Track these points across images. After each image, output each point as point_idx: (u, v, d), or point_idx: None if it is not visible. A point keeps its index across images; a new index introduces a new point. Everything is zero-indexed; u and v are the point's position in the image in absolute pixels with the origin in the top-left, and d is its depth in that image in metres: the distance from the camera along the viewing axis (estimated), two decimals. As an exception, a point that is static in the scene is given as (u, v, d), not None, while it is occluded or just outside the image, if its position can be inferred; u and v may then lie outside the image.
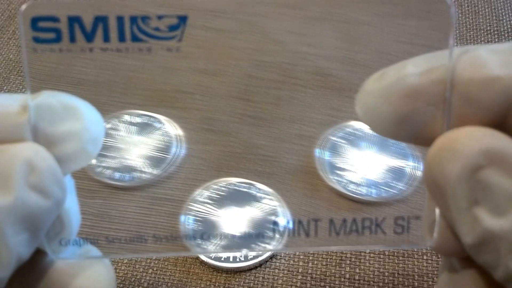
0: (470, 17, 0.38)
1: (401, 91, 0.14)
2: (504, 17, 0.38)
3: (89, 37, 0.14)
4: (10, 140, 0.13)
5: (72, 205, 0.16)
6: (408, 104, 0.14)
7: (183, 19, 0.15)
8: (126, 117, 0.32)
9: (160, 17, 0.15)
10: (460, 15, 0.38)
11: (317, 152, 0.30)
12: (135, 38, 0.14)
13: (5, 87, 0.35)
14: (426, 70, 0.14)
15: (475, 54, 0.14)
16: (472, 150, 0.13)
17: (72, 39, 0.14)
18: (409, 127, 0.15)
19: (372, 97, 0.15)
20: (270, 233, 0.27)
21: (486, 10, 0.38)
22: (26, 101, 0.14)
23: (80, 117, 0.14)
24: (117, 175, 0.30)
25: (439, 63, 0.14)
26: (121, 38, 0.14)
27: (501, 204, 0.13)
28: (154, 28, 0.15)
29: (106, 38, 0.14)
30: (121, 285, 0.26)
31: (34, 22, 0.13)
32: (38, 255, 0.15)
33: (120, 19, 0.14)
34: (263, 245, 0.26)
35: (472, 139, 0.14)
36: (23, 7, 0.13)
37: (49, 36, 0.14)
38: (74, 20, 0.14)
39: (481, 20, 0.38)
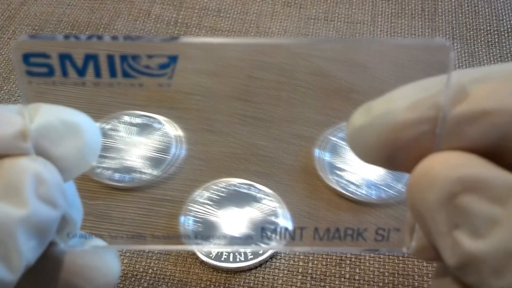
0: (470, 17, 0.38)
1: (387, 126, 0.14)
2: (504, 17, 0.38)
3: (81, 73, 0.14)
4: (13, 155, 0.14)
5: (74, 202, 0.16)
6: (395, 140, 0.14)
7: (173, 59, 0.16)
8: (126, 118, 0.32)
9: (150, 57, 0.15)
10: (460, 15, 0.38)
11: (317, 152, 0.30)
12: (126, 75, 0.15)
13: (5, 87, 0.35)
14: (413, 105, 0.14)
15: (460, 86, 0.14)
16: (447, 178, 0.14)
17: (64, 73, 0.14)
18: (398, 160, 0.15)
19: (359, 131, 0.15)
20: (270, 234, 0.27)
21: (486, 10, 0.38)
22: (25, 125, 0.14)
23: (80, 133, 0.14)
24: (117, 176, 0.30)
25: (428, 94, 0.14)
26: (112, 74, 0.14)
27: (480, 227, 0.13)
28: (145, 66, 0.15)
29: (98, 74, 0.14)
30: (121, 285, 0.26)
31: (26, 58, 0.14)
32: (49, 245, 0.15)
33: (110, 58, 0.14)
34: (263, 245, 0.27)
35: (447, 167, 0.14)
36: (15, 42, 0.14)
37: (42, 71, 0.14)
38: (65, 57, 0.14)
39: (481, 20, 0.38)
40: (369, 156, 0.15)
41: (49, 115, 0.14)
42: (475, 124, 0.14)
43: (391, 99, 0.14)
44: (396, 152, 0.15)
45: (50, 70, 0.14)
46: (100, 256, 0.16)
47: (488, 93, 0.14)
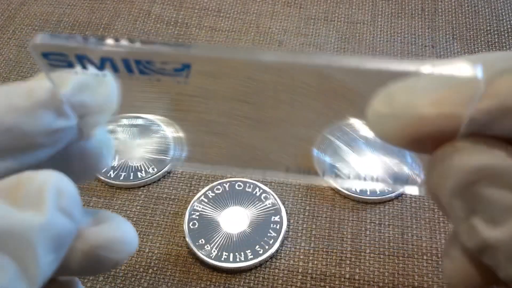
0: (470, 17, 0.38)
1: (411, 120, 0.14)
2: (504, 17, 0.38)
3: (100, 68, 0.15)
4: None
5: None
6: (418, 133, 0.14)
7: (187, 66, 0.16)
8: (125, 120, 0.32)
9: (164, 63, 0.15)
10: (460, 15, 0.38)
11: (317, 152, 0.30)
12: (143, 73, 0.15)
13: (5, 87, 0.35)
14: (437, 101, 0.14)
15: (485, 80, 0.14)
16: (464, 167, 0.14)
17: (84, 67, 0.15)
18: (420, 146, 0.15)
19: (380, 119, 0.15)
20: (273, 233, 0.27)
21: (486, 10, 0.38)
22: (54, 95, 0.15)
23: (106, 82, 0.16)
24: (121, 175, 0.30)
25: (452, 89, 0.14)
26: (130, 71, 0.15)
27: (496, 214, 0.13)
28: (160, 68, 0.15)
29: (116, 70, 0.15)
30: (121, 285, 0.26)
31: (45, 55, 0.14)
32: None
33: (125, 61, 0.14)
34: (265, 245, 0.27)
35: (464, 155, 0.14)
36: (32, 42, 0.14)
37: (62, 64, 0.15)
38: (82, 58, 0.14)
39: (481, 20, 0.38)
40: (390, 141, 0.15)
41: (80, 76, 0.15)
42: (502, 121, 0.14)
43: (413, 90, 0.14)
44: (419, 141, 0.15)
45: (69, 64, 0.15)
46: (120, 228, 0.16)
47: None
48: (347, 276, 0.26)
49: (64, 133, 0.15)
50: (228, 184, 0.29)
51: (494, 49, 0.36)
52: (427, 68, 0.14)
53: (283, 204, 0.28)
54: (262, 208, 0.28)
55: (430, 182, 0.15)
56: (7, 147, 0.15)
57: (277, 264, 0.26)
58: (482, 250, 0.14)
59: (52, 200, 0.14)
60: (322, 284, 0.26)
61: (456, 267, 0.16)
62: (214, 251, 0.26)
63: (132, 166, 0.30)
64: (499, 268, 0.14)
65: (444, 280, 0.26)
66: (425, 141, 0.15)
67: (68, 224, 0.14)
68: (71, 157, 0.17)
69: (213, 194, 0.29)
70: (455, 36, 0.37)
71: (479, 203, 0.14)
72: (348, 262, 0.27)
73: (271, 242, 0.27)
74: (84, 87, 0.15)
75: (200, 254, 0.26)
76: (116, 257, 0.16)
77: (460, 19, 0.38)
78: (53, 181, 0.14)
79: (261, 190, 0.29)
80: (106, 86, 0.16)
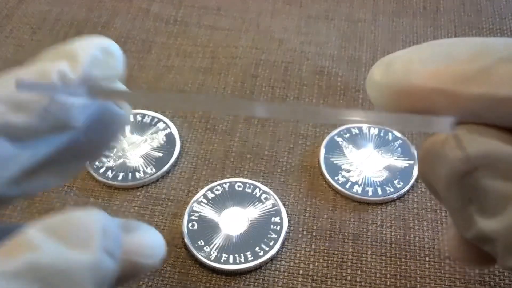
0: (473, 16, 0.38)
1: (406, 90, 0.14)
2: (507, 15, 0.38)
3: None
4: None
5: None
6: (412, 104, 0.14)
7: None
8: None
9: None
10: (463, 14, 0.38)
11: (319, 152, 0.30)
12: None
13: (2, 87, 0.34)
14: (434, 73, 0.14)
15: (485, 64, 0.13)
16: (458, 156, 0.13)
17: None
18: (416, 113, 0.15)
19: (377, 86, 0.15)
20: (272, 234, 0.27)
21: (489, 8, 0.38)
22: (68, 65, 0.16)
23: (113, 52, 0.17)
24: (119, 175, 0.29)
25: (450, 64, 0.14)
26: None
27: (492, 205, 0.13)
28: None
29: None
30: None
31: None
32: None
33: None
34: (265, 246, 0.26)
35: (457, 143, 0.13)
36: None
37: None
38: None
39: (483, 18, 0.37)
40: (386, 109, 0.15)
41: (91, 48, 0.17)
42: (494, 110, 0.13)
43: (411, 59, 0.14)
44: (413, 111, 0.14)
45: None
46: (149, 235, 0.17)
47: None
48: (349, 278, 0.26)
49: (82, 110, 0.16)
50: (227, 184, 0.29)
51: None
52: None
53: (284, 205, 0.28)
54: (262, 209, 0.28)
55: (423, 171, 0.15)
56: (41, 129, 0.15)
57: (278, 266, 0.26)
58: (479, 240, 0.14)
59: (99, 241, 0.14)
60: (323, 286, 0.25)
61: (453, 247, 0.16)
62: (214, 253, 0.26)
63: (130, 166, 0.30)
64: (498, 257, 0.13)
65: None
66: (419, 113, 0.14)
67: (112, 265, 0.15)
68: (91, 128, 0.17)
69: (213, 195, 0.28)
70: (457, 35, 0.37)
71: (475, 193, 0.13)
72: (349, 263, 0.26)
73: (271, 243, 0.26)
74: (95, 63, 0.16)
75: (199, 255, 0.26)
76: (149, 262, 0.16)
77: (462, 18, 0.38)
78: (100, 221, 0.15)
79: (261, 191, 0.28)
80: (114, 58, 0.17)
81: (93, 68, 0.16)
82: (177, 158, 0.30)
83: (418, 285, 0.25)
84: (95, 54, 0.16)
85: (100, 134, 0.18)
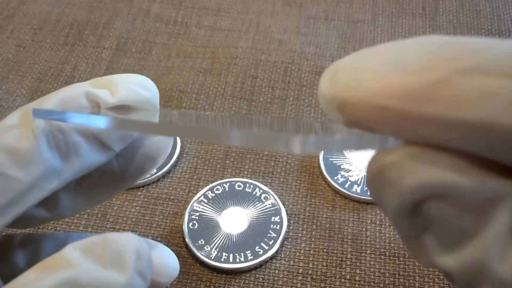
0: (471, 17, 0.38)
1: (347, 104, 0.12)
2: (506, 16, 0.38)
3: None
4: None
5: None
6: (358, 122, 0.12)
7: None
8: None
9: None
10: (461, 14, 0.38)
11: (321, 152, 0.30)
12: None
13: (3, 87, 0.35)
14: (382, 87, 0.11)
15: (441, 77, 0.11)
16: (406, 185, 0.11)
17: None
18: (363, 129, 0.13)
19: (324, 97, 0.13)
20: (272, 233, 0.27)
21: (488, 9, 0.38)
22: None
23: (150, 87, 0.18)
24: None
25: (401, 71, 0.11)
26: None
27: (449, 237, 0.12)
28: None
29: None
30: (121, 286, 0.26)
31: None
32: None
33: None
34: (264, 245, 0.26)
35: (406, 171, 0.11)
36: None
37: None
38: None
39: (482, 19, 0.38)
40: (335, 119, 0.13)
41: (129, 79, 0.18)
42: (450, 134, 0.11)
43: (357, 69, 0.12)
44: (359, 128, 0.12)
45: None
46: (165, 255, 0.18)
47: (478, 97, 0.10)
48: (348, 277, 0.26)
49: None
50: (228, 184, 0.29)
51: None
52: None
53: (283, 204, 0.28)
54: (262, 209, 0.28)
55: (372, 195, 0.13)
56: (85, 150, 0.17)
57: (277, 265, 0.26)
58: (436, 268, 0.12)
59: (133, 262, 0.15)
60: (323, 285, 0.26)
61: None
62: (214, 252, 0.26)
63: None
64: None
65: None
66: (367, 129, 0.12)
67: (142, 286, 0.15)
68: (132, 154, 0.19)
69: (213, 195, 0.28)
70: (456, 36, 0.37)
71: (430, 222, 0.12)
72: (348, 263, 0.26)
73: (271, 242, 0.26)
74: (132, 94, 0.17)
75: (200, 254, 0.26)
76: (164, 281, 0.17)
77: (461, 18, 0.38)
78: (135, 244, 0.15)
79: (261, 191, 0.29)
80: (150, 93, 0.18)
81: (129, 97, 0.17)
82: (178, 158, 0.31)
83: (417, 284, 0.26)
84: (132, 85, 0.17)
85: (134, 162, 0.19)
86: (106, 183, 0.19)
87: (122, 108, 0.17)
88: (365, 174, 0.13)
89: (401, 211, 0.12)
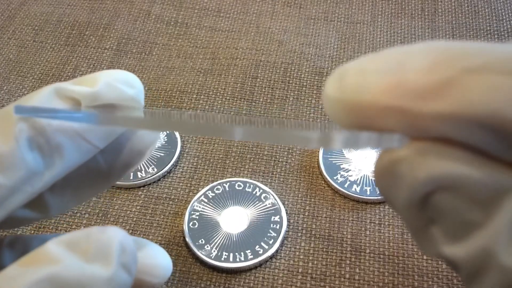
0: (470, 17, 0.38)
1: (356, 105, 0.12)
2: (504, 17, 0.38)
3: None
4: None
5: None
6: (365, 123, 0.13)
7: None
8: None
9: None
10: (460, 15, 0.38)
11: (318, 151, 0.30)
12: None
13: (5, 87, 0.35)
14: (387, 88, 0.12)
15: (447, 76, 0.11)
16: (417, 178, 0.12)
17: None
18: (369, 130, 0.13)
19: (330, 101, 0.13)
20: (272, 233, 0.27)
21: (486, 10, 0.38)
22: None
23: (135, 84, 0.17)
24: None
25: (403, 75, 0.12)
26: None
27: (455, 229, 0.12)
28: None
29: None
30: (122, 285, 0.26)
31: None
32: None
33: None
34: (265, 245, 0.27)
35: (416, 164, 0.12)
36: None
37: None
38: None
39: (481, 20, 0.38)
40: (340, 125, 0.14)
41: (110, 74, 0.17)
42: (458, 130, 0.11)
43: (364, 71, 0.12)
44: (367, 129, 0.13)
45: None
46: (157, 255, 0.18)
47: (485, 92, 0.11)
48: (347, 276, 0.26)
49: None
50: (228, 184, 0.29)
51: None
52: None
53: (283, 204, 0.28)
54: (262, 208, 0.28)
55: (381, 190, 0.13)
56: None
57: (277, 264, 0.26)
58: (442, 259, 0.13)
59: (118, 256, 0.15)
60: (322, 284, 0.26)
61: None
62: (214, 251, 0.26)
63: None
64: (462, 280, 0.13)
65: None
66: (376, 130, 0.12)
67: (127, 279, 0.15)
68: (118, 149, 0.18)
69: (213, 194, 0.29)
70: (455, 37, 0.37)
71: (438, 214, 0.12)
72: (348, 262, 0.27)
73: (271, 242, 0.27)
74: (112, 88, 0.17)
75: (200, 254, 0.26)
76: (155, 281, 0.17)
77: (460, 19, 0.38)
78: (119, 238, 0.15)
79: (261, 190, 0.29)
80: (134, 89, 0.17)
81: (109, 92, 0.16)
82: (178, 158, 0.31)
83: (416, 283, 0.26)
84: (115, 82, 0.17)
85: (121, 157, 0.18)
86: (93, 179, 0.18)
87: (104, 107, 0.16)
88: (374, 171, 0.13)
89: (411, 203, 0.12)
